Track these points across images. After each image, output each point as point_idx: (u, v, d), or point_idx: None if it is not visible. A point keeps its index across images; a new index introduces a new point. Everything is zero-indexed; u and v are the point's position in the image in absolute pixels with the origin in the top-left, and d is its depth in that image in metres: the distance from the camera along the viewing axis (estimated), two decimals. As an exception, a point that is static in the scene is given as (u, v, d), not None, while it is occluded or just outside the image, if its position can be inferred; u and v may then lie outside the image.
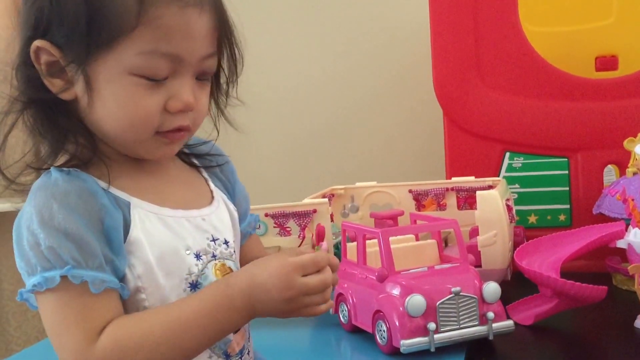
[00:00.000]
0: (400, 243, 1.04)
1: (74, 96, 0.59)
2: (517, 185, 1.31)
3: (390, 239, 0.97)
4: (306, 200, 1.18)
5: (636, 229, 0.92)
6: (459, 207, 1.24)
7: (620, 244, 0.95)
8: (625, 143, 1.12)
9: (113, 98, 0.58)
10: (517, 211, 1.29)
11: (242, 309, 0.59)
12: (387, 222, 1.20)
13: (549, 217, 1.29)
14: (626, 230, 0.96)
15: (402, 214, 1.21)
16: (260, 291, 0.59)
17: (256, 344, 0.74)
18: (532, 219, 1.31)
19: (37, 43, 0.58)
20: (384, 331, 0.91)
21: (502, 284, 1.11)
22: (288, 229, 1.15)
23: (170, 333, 0.57)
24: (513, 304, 1.02)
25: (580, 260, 1.16)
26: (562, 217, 1.29)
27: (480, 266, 1.09)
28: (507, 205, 1.14)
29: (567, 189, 1.29)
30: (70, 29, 0.57)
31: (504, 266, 1.10)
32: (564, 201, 1.29)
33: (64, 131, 0.60)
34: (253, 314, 0.60)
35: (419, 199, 1.27)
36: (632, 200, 0.96)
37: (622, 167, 1.23)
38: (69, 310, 0.56)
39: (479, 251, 1.09)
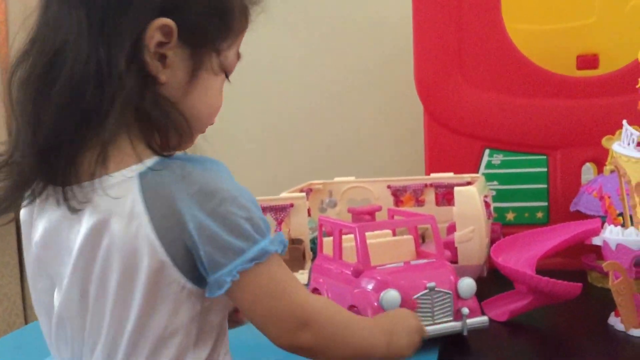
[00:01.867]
0: (377, 238, 1.03)
1: (165, 80, 0.58)
2: (495, 182, 1.31)
3: (367, 234, 0.96)
4: (283, 194, 1.17)
5: (611, 226, 0.92)
6: (437, 203, 1.24)
7: (596, 241, 0.95)
8: (604, 141, 1.12)
9: (207, 88, 0.61)
10: (495, 208, 1.29)
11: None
12: (364, 217, 1.19)
13: (526, 215, 1.29)
14: (602, 227, 0.96)
15: (379, 209, 1.20)
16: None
17: (232, 342, 0.74)
18: (510, 216, 1.31)
19: (163, 21, 0.56)
20: (359, 326, 0.90)
21: (478, 280, 1.11)
22: (265, 224, 1.14)
23: (355, 328, 0.66)
24: (488, 300, 1.02)
25: (557, 257, 1.16)
26: (539, 215, 1.29)
27: (456, 262, 1.09)
28: (485, 202, 1.14)
29: (545, 186, 1.29)
30: (203, 15, 0.59)
31: (480, 262, 1.09)
32: (542, 198, 1.29)
33: (172, 116, 0.59)
34: None
35: (398, 194, 1.27)
36: (609, 197, 0.96)
37: (600, 165, 1.23)
38: (287, 270, 0.61)
39: (456, 247, 1.09)
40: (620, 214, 0.96)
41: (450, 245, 1.09)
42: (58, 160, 0.56)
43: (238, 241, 0.57)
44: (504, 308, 1.00)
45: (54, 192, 0.58)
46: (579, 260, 1.18)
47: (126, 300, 0.57)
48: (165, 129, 0.58)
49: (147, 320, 0.57)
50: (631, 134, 0.93)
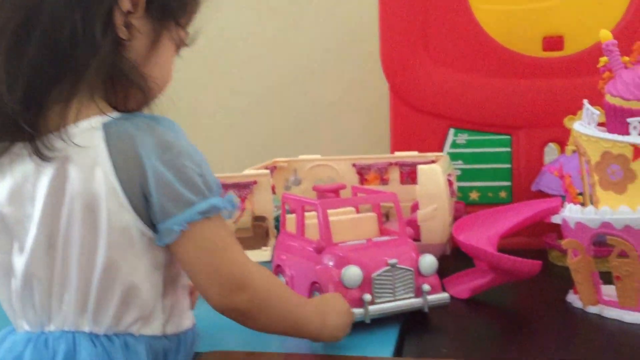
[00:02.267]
0: (340, 216, 1.03)
1: (130, 47, 0.63)
2: (460, 162, 1.31)
3: (331, 211, 0.96)
4: (247, 171, 1.16)
5: (571, 204, 0.93)
6: (402, 182, 1.24)
7: (555, 219, 0.96)
8: (566, 121, 1.12)
9: (165, 58, 0.66)
10: (460, 187, 1.29)
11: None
12: (329, 195, 1.18)
13: (490, 194, 1.30)
14: (562, 206, 0.97)
15: (344, 187, 1.20)
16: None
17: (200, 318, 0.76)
18: (474, 195, 1.31)
19: None
20: (325, 303, 0.90)
21: (442, 258, 1.11)
22: (228, 200, 1.13)
23: (289, 300, 0.72)
24: (449, 278, 1.03)
25: (519, 237, 1.17)
26: (502, 194, 1.30)
27: (419, 240, 1.09)
28: (449, 180, 1.14)
29: (509, 166, 1.30)
30: None
31: (443, 241, 1.10)
32: (505, 178, 1.30)
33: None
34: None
35: (362, 173, 1.26)
36: (569, 177, 0.97)
37: (563, 146, 1.24)
38: (231, 233, 0.67)
39: (419, 225, 1.09)
40: (581, 194, 0.97)
41: (414, 224, 1.10)
42: (28, 114, 0.59)
43: (190, 193, 0.61)
44: (466, 285, 1.01)
45: (19, 149, 0.61)
46: (540, 240, 1.19)
47: (92, 248, 0.60)
48: (129, 90, 0.63)
49: (113, 268, 0.61)
50: (592, 113, 0.94)
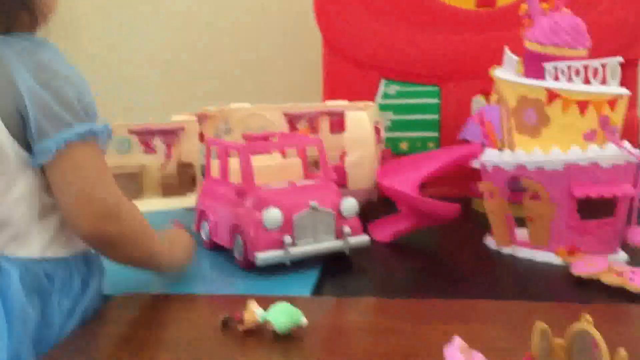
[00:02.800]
0: (266, 161, 1.03)
1: None
2: (390, 113, 1.33)
3: (257, 157, 0.95)
4: (173, 118, 1.14)
5: (489, 149, 0.95)
6: (332, 131, 1.24)
7: (475, 164, 0.98)
8: (491, 70, 1.14)
9: None
10: (389, 138, 1.31)
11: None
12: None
13: (418, 144, 1.32)
14: (482, 152, 0.99)
15: (273, 135, 1.18)
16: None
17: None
18: (404, 145, 1.33)
19: None
20: (240, 245, 0.91)
21: (368, 204, 1.13)
22: (154, 147, 1.12)
23: (150, 234, 0.75)
24: (373, 223, 1.04)
25: (445, 186, 1.20)
26: (431, 145, 1.31)
27: (346, 186, 1.10)
28: (376, 128, 1.15)
29: (437, 117, 1.32)
30: None
31: (369, 187, 1.11)
32: (434, 129, 1.32)
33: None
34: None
35: (293, 122, 1.26)
36: (490, 123, 0.99)
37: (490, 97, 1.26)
38: (104, 161, 0.66)
39: (346, 171, 1.10)
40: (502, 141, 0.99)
41: (341, 170, 1.10)
42: None
43: (67, 114, 0.62)
44: (388, 230, 1.03)
45: None
46: (465, 189, 1.22)
47: None
48: (14, 11, 0.63)
49: None
50: (511, 59, 0.96)
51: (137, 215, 0.71)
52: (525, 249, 0.93)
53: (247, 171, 0.92)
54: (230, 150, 0.96)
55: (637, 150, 0.87)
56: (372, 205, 1.14)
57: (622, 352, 0.40)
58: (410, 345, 0.64)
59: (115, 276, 0.82)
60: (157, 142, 1.12)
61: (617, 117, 0.89)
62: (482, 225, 1.01)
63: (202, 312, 0.76)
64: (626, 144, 0.86)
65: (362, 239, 0.93)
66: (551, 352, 0.45)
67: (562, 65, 0.88)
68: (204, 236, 1.02)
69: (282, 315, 0.67)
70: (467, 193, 1.21)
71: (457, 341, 0.43)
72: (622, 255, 0.90)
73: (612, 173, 0.86)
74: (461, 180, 1.18)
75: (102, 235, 0.66)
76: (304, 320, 0.67)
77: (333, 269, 0.92)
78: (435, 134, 1.32)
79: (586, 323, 0.45)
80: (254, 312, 0.68)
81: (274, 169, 1.01)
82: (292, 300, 0.71)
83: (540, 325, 0.46)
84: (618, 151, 0.86)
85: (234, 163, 0.97)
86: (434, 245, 1.07)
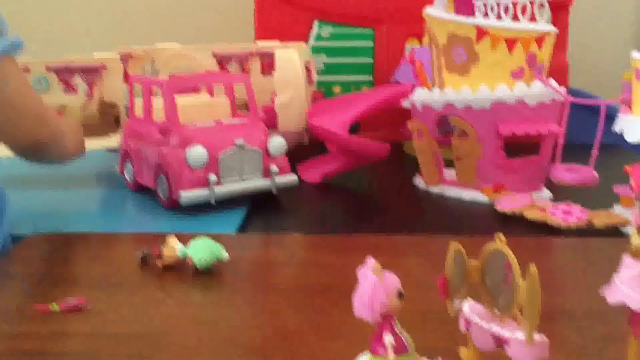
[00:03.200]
0: (193, 101, 1.00)
1: None
2: (324, 55, 1.30)
3: (184, 96, 0.92)
4: (95, 55, 1.09)
5: (419, 88, 0.94)
6: (263, 72, 1.21)
7: (405, 104, 0.97)
8: (423, 13, 1.12)
9: None
10: (323, 82, 1.29)
11: None
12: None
13: (352, 88, 1.30)
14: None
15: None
16: None
17: (39, 203, 0.81)
18: (337, 89, 1.31)
19: None
20: (164, 185, 0.88)
21: (299, 146, 1.12)
22: (74, 86, 1.07)
23: (68, 131, 0.83)
24: (303, 164, 1.03)
25: (378, 131, 1.19)
26: (364, 89, 1.30)
27: (276, 127, 1.08)
28: (307, 69, 1.12)
29: (371, 60, 1.30)
30: None
31: (300, 128, 1.09)
32: (367, 72, 1.30)
33: None
34: None
35: (223, 63, 1.22)
36: (420, 63, 0.98)
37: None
38: (22, 72, 0.72)
39: (276, 112, 1.08)
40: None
41: (271, 111, 1.08)
42: None
43: None
44: (318, 170, 1.01)
45: None
46: (397, 132, 1.21)
47: None
48: None
49: None
50: (442, -4, 0.94)
51: (58, 118, 0.77)
52: (453, 188, 0.93)
53: (170, 108, 0.89)
54: (154, 87, 0.92)
55: (563, 89, 0.88)
56: (303, 147, 1.12)
57: (532, 267, 0.40)
58: (332, 277, 0.64)
59: (29, 216, 0.79)
60: (78, 81, 1.06)
61: (544, 55, 0.89)
62: (413, 167, 1.01)
63: (121, 250, 0.74)
64: (552, 81, 0.87)
65: (290, 178, 0.91)
66: (465, 274, 0.45)
67: (491, 1, 0.87)
68: (127, 177, 0.98)
69: (202, 250, 0.65)
70: (400, 137, 1.21)
71: (370, 262, 0.42)
72: (546, 193, 0.92)
73: (538, 111, 0.87)
74: (394, 124, 1.18)
75: (38, 141, 0.71)
76: (225, 255, 0.66)
77: (260, 209, 0.90)
78: (369, 78, 1.30)
79: (500, 243, 0.44)
80: (173, 248, 0.66)
81: (201, 108, 0.98)
82: (216, 238, 0.69)
83: (454, 245, 0.45)
84: (544, 89, 0.86)
85: (159, 103, 0.93)
86: (364, 187, 1.06)
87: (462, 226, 0.84)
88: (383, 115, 1.24)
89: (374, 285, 0.42)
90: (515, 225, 0.82)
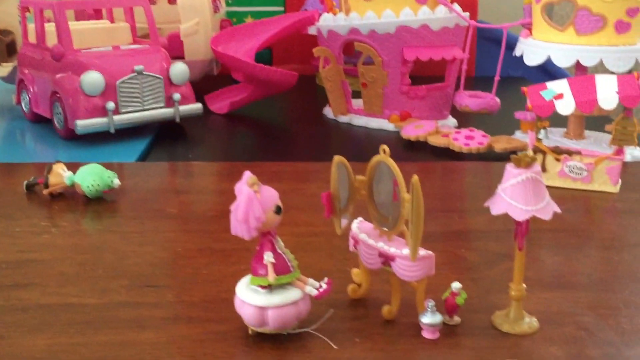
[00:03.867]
0: (91, 26, 0.95)
1: None
2: (235, -15, 1.26)
3: (82, 22, 0.87)
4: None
5: (325, 14, 0.92)
6: (170, 1, 1.16)
7: (311, 30, 0.95)
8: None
9: None
10: (235, 12, 1.25)
11: None
12: (87, 12, 1.08)
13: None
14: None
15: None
16: None
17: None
18: (249, 20, 1.27)
19: None
20: (60, 114, 0.84)
21: (208, 77, 1.08)
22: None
23: None
24: (210, 94, 1.00)
25: (291, 64, 1.17)
26: (276, 19, 1.27)
27: (183, 57, 1.04)
28: (214, -5, 1.08)
29: (283, -10, 1.27)
30: None
31: (207, 57, 1.05)
32: (279, 3, 1.27)
33: None
34: None
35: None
36: (328, -11, 0.96)
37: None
38: None
39: (182, 41, 1.04)
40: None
41: (177, 40, 1.04)
42: None
43: None
44: (225, 100, 0.99)
45: None
46: (311, 66, 1.20)
47: None
48: None
49: None
50: None
51: None
52: (361, 117, 0.93)
53: (63, 31, 0.84)
54: (46, 9, 0.87)
55: (467, 14, 0.88)
56: (212, 78, 1.09)
57: (415, 178, 0.40)
58: (229, 204, 0.62)
59: None
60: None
61: (450, -19, 0.89)
62: (324, 98, 1.00)
63: (8, 180, 0.70)
64: (456, 6, 0.86)
65: (194, 107, 0.89)
66: (351, 189, 0.45)
67: None
68: (24, 108, 0.93)
69: (90, 177, 0.62)
70: (313, 70, 1.20)
71: (246, 175, 0.41)
72: (452, 121, 0.92)
73: (442, 36, 0.86)
74: (307, 57, 1.16)
75: None
76: (116, 182, 0.63)
77: (165, 139, 0.88)
78: (281, 8, 1.27)
79: (384, 155, 0.44)
80: (60, 175, 0.63)
81: (99, 33, 0.93)
82: (110, 166, 0.66)
83: (337, 158, 0.45)
84: (448, 14, 0.86)
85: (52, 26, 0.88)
86: (273, 117, 1.05)
87: (368, 153, 0.83)
88: (295, 48, 1.23)
89: (248, 198, 0.40)
90: (420, 151, 0.82)
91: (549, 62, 0.76)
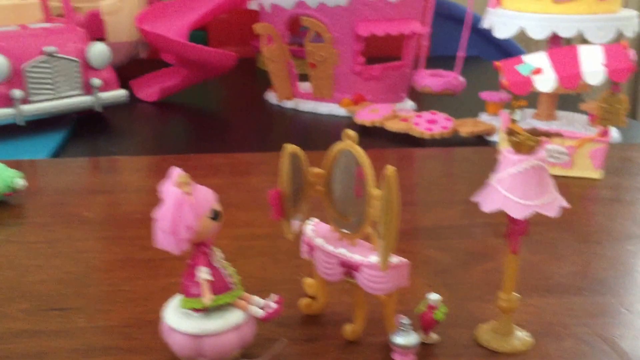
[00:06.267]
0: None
1: None
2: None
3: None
4: None
5: (268, -14, 0.82)
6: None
7: (252, 5, 0.85)
8: None
9: None
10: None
11: None
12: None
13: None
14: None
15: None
16: None
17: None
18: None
19: None
20: (-44, 104, 0.71)
21: (135, 61, 0.97)
22: None
23: None
24: (137, 80, 0.89)
25: (230, 46, 1.07)
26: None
27: (105, 39, 0.92)
28: (140, -31, 0.96)
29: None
30: None
31: (133, 39, 0.94)
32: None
33: None
34: None
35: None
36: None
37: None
38: None
39: (104, 20, 0.92)
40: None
41: (97, 18, 0.92)
42: None
43: None
44: (156, 86, 0.88)
45: None
46: (250, 48, 1.10)
47: None
48: None
49: None
50: None
51: None
52: (308, 102, 0.83)
53: (-43, 8, 0.71)
54: None
55: (425, -15, 0.79)
56: (139, 62, 0.97)
57: (390, 169, 0.31)
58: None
59: None
60: None
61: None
62: (265, 82, 0.90)
63: None
64: (413, -25, 0.78)
65: (117, 94, 0.77)
66: (305, 184, 0.35)
67: None
68: None
69: (-13, 178, 0.51)
70: (253, 53, 1.10)
71: (175, 173, 0.31)
72: (410, 104, 0.84)
73: (400, 9, 0.77)
74: (247, 38, 1.06)
75: None
76: (19, 182, 0.52)
77: (86, 131, 0.76)
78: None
79: (349, 142, 0.35)
80: (-51, 176, 0.51)
81: (4, 10, 0.81)
82: (16, 164, 0.55)
83: (289, 147, 0.35)
84: (405, -16, 0.77)
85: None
86: (209, 104, 0.94)
87: (317, 142, 0.75)
88: (234, 27, 1.12)
89: (177, 203, 0.30)
90: (376, 137, 0.74)
91: (509, 41, 0.69)
